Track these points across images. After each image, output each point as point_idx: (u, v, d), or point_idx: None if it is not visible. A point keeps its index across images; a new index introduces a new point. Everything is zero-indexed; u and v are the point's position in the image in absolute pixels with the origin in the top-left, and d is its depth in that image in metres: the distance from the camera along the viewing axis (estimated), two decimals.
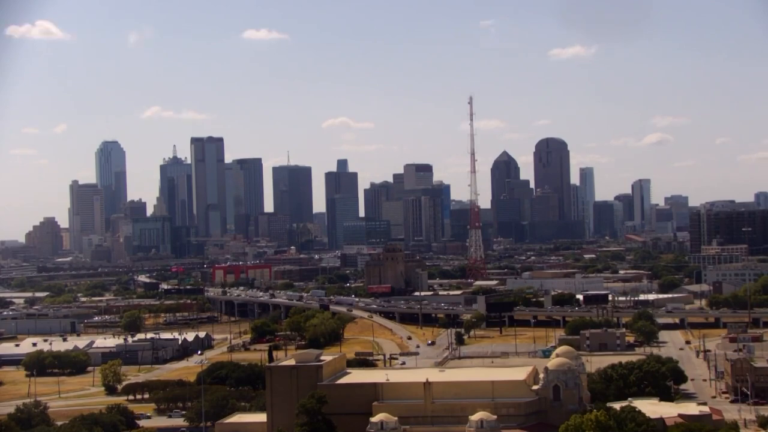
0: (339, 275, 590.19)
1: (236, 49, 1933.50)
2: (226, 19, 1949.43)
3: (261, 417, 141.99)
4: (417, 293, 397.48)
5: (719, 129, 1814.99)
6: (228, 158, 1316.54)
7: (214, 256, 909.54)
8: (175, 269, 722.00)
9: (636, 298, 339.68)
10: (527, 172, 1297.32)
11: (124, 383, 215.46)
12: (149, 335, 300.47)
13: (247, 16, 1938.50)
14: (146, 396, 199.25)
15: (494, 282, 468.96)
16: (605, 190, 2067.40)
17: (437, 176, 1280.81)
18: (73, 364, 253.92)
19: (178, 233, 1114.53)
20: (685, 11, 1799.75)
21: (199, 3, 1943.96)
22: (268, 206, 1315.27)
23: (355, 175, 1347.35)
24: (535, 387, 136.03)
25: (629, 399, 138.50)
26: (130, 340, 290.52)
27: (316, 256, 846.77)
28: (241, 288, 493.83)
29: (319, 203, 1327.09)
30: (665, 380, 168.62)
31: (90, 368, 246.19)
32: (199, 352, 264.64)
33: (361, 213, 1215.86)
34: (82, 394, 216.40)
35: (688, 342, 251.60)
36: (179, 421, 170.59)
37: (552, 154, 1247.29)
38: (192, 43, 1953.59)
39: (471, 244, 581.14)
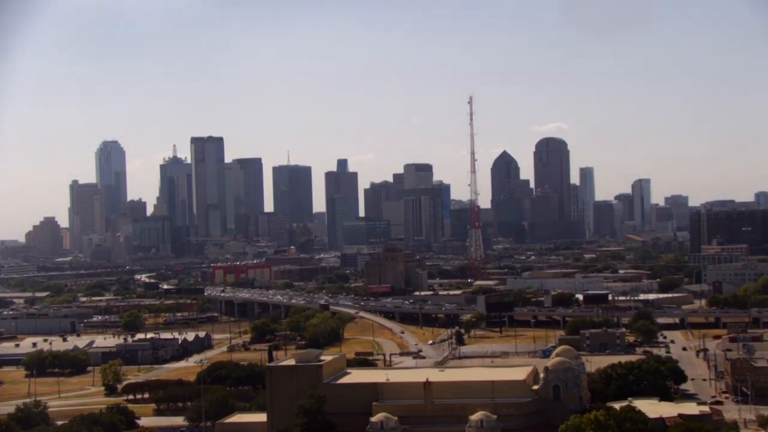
0: (339, 275, 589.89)
1: (237, 49, 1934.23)
2: (227, 19, 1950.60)
3: (261, 417, 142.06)
4: (417, 293, 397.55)
5: (720, 128, 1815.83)
6: (228, 158, 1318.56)
7: (214, 256, 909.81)
8: (177, 269, 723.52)
9: (636, 298, 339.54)
10: (527, 172, 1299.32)
11: (124, 383, 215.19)
12: (149, 335, 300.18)
13: (245, 16, 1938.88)
14: (146, 396, 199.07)
15: (494, 282, 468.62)
16: (605, 190, 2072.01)
17: (437, 176, 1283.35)
18: (73, 364, 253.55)
19: (178, 233, 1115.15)
20: (686, 9, 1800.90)
21: (200, 4, 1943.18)
22: (268, 206, 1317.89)
23: (355, 175, 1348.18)
24: (535, 387, 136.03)
25: (629, 399, 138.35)
26: (130, 339, 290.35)
27: (316, 256, 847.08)
28: (294, 290, 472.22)
29: (319, 203, 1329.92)
30: (665, 380, 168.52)
31: (90, 368, 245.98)
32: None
33: (361, 213, 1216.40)
34: (82, 393, 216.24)
35: (681, 349, 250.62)
36: (179, 421, 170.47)
37: (552, 154, 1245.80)
38: (192, 43, 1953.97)
39: (471, 244, 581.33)
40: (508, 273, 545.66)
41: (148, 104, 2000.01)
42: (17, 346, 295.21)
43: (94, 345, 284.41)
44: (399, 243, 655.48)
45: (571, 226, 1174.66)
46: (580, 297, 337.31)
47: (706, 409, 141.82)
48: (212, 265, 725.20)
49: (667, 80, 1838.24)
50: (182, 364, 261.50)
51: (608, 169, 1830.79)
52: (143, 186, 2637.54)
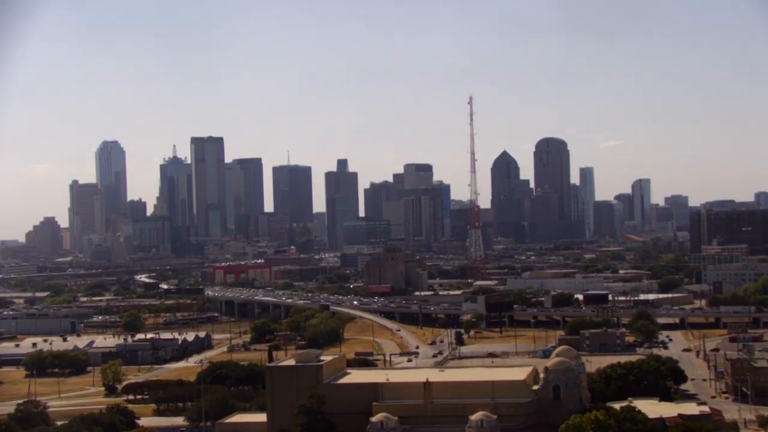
0: (339, 275, 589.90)
1: (237, 49, 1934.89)
2: (227, 19, 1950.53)
3: (261, 417, 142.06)
4: (417, 293, 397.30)
5: (720, 128, 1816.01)
6: (228, 158, 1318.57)
7: (214, 256, 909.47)
8: (183, 268, 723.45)
9: (636, 298, 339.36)
10: (527, 172, 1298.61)
11: (124, 383, 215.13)
12: (149, 335, 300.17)
13: (245, 16, 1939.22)
14: (146, 396, 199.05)
15: (494, 282, 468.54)
16: (605, 190, 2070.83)
17: (437, 176, 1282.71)
18: (73, 364, 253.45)
19: (178, 233, 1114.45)
20: (687, 10, 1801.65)
21: (200, 3, 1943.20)
22: (268, 206, 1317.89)
23: (355, 175, 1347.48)
24: (535, 387, 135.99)
25: (629, 399, 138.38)
26: (130, 340, 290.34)
27: (316, 256, 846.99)
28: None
29: (319, 203, 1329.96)
30: (665, 380, 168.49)
31: (90, 368, 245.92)
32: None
33: (361, 213, 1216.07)
34: (82, 394, 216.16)
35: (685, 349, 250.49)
36: (179, 421, 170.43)
37: (552, 154, 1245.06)
38: (192, 43, 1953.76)
39: (471, 244, 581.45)
40: (508, 273, 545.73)
41: (148, 104, 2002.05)
42: (17, 346, 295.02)
43: (94, 345, 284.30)
44: (399, 243, 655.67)
45: (571, 226, 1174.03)
46: (580, 297, 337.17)
47: (706, 409, 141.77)
48: (212, 265, 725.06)
49: (667, 80, 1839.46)
50: (182, 364, 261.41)
51: (608, 169, 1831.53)
52: (143, 186, 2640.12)
